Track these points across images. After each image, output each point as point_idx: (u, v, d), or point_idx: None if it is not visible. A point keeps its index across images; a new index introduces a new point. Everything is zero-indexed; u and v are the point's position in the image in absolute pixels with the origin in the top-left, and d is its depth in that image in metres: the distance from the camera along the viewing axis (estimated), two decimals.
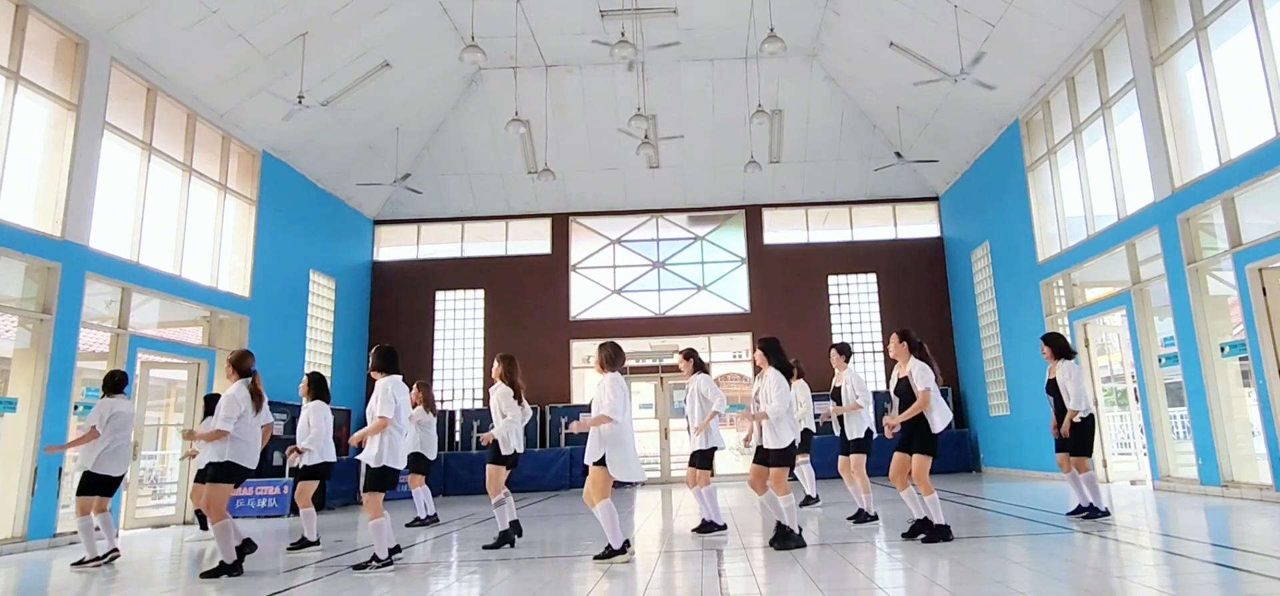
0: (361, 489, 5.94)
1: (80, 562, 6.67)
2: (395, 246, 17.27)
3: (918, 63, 11.85)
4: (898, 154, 14.48)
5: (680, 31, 13.31)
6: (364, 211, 16.50)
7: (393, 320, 16.54)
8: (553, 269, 16.85)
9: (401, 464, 6.01)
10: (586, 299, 16.86)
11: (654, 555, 6.14)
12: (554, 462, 14.60)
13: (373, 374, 6.09)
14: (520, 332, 16.23)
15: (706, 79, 14.77)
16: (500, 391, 6.82)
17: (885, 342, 15.89)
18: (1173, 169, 9.07)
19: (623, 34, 11.20)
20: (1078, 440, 7.04)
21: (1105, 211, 10.70)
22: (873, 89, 14.59)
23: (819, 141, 15.81)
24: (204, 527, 8.90)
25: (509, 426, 6.73)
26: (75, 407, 8.90)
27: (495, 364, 6.98)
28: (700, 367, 7.42)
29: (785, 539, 5.94)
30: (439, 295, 16.83)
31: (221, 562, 5.85)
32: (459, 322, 16.77)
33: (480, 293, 16.82)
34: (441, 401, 16.19)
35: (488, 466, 6.84)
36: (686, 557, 5.94)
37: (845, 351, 7.97)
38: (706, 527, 7.19)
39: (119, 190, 10.05)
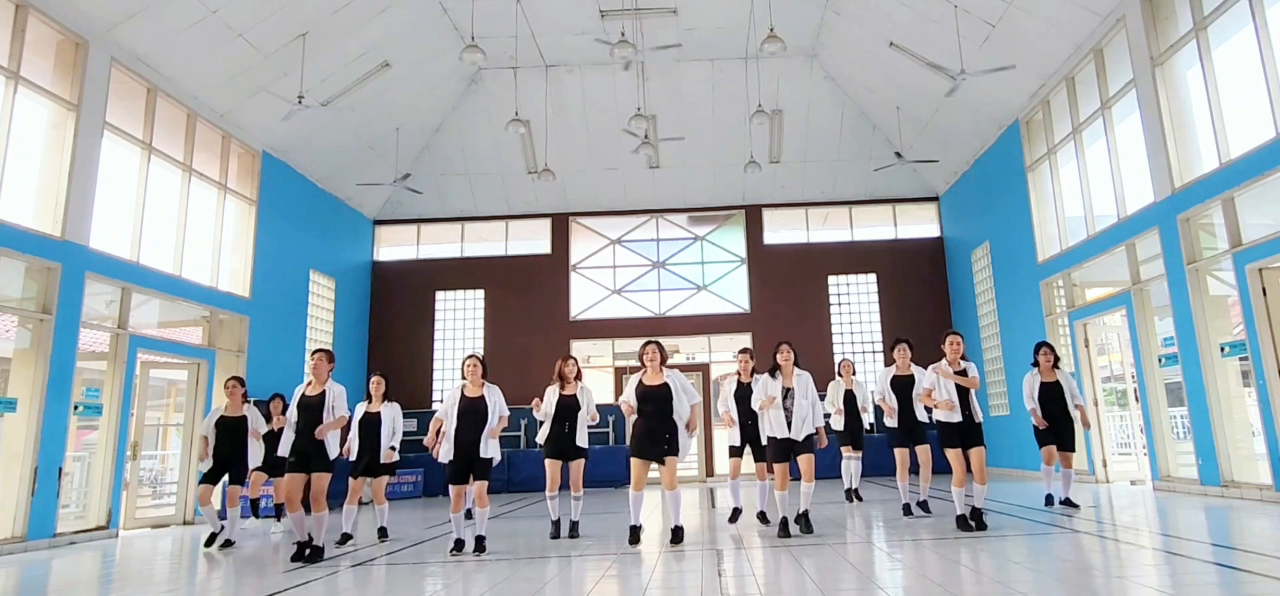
0: (481, 479, 6.46)
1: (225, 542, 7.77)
2: (395, 246, 17.27)
3: (918, 63, 11.85)
4: (898, 154, 14.48)
5: (680, 32, 13.31)
6: (364, 211, 16.50)
7: (393, 320, 16.54)
8: (553, 269, 16.85)
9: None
10: (586, 299, 16.86)
11: (655, 553, 6.14)
12: None
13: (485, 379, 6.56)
14: (520, 332, 16.23)
15: (706, 79, 14.77)
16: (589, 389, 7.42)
17: (885, 342, 15.94)
18: (1173, 169, 9.07)
19: (623, 34, 11.20)
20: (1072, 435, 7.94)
21: (1105, 211, 10.70)
22: (873, 89, 14.59)
23: (819, 141, 15.81)
24: (279, 518, 9.66)
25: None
26: (75, 407, 8.90)
27: (573, 364, 7.32)
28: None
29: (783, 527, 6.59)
30: (439, 295, 16.84)
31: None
32: (459, 322, 16.78)
33: (480, 293, 16.83)
34: (440, 402, 16.19)
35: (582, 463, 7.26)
36: (687, 556, 5.94)
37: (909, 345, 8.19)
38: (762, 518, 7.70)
39: (119, 190, 10.05)
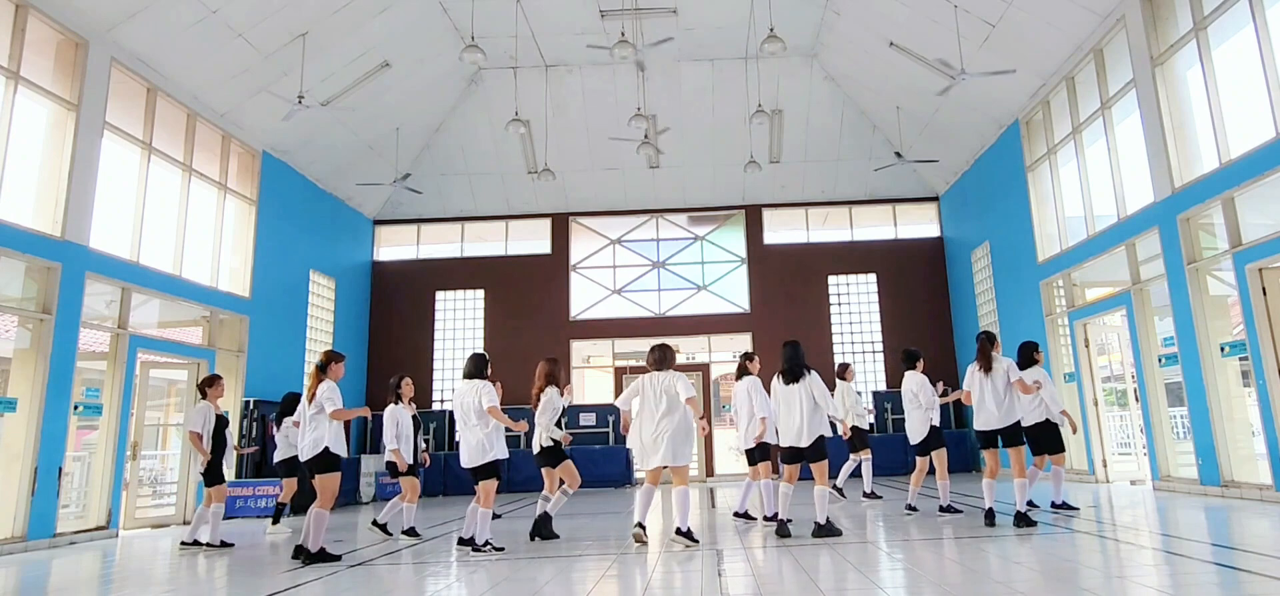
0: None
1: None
2: (395, 246, 17.27)
3: (918, 63, 11.85)
4: (898, 154, 14.48)
5: (680, 31, 13.31)
6: (364, 211, 16.50)
7: (393, 320, 16.54)
8: (553, 269, 16.85)
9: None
10: (586, 299, 16.86)
11: (655, 553, 6.14)
12: None
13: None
14: (520, 332, 16.23)
15: (706, 79, 14.77)
16: None
17: (885, 343, 15.95)
18: (1173, 169, 9.07)
19: (623, 34, 11.20)
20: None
21: (1105, 211, 10.70)
22: (873, 89, 14.59)
23: (819, 141, 15.81)
24: (275, 522, 8.90)
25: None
26: (75, 407, 8.90)
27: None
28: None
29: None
30: (439, 295, 16.84)
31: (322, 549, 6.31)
32: (459, 322, 16.78)
33: (480, 293, 16.83)
34: (441, 401, 16.22)
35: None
36: (687, 556, 5.94)
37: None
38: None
39: (119, 190, 10.05)
